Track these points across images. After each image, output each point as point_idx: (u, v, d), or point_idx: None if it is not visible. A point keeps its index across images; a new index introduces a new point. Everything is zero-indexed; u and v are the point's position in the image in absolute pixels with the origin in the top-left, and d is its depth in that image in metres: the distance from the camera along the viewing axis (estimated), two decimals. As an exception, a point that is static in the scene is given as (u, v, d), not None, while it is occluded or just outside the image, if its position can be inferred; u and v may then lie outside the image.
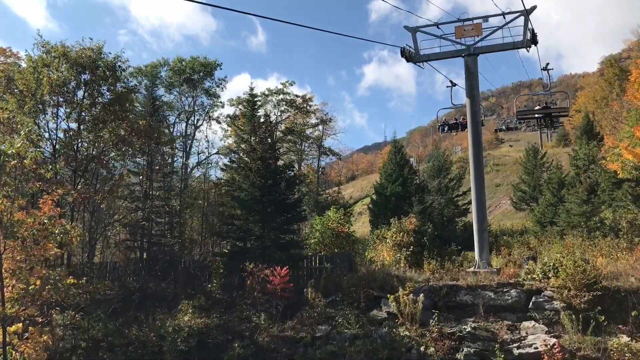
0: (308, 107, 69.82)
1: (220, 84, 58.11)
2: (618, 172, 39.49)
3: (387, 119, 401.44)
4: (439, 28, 29.83)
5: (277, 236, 27.22)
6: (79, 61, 30.14)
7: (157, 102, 35.43)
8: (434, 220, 46.09)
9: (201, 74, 55.36)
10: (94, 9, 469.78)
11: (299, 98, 68.80)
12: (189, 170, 45.01)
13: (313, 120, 73.86)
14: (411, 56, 29.40)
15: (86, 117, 30.72)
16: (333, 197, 71.17)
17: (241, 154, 30.19)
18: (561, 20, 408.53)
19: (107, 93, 31.48)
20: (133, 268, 28.23)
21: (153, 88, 55.01)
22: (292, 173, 31.62)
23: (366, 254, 40.32)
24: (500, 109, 69.09)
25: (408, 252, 36.13)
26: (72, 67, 30.09)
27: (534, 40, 27.88)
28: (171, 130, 56.42)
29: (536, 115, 33.10)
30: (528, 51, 29.04)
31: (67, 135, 30.34)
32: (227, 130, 64.42)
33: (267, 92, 67.67)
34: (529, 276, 23.24)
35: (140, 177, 29.51)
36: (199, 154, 56.45)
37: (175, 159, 42.10)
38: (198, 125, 56.71)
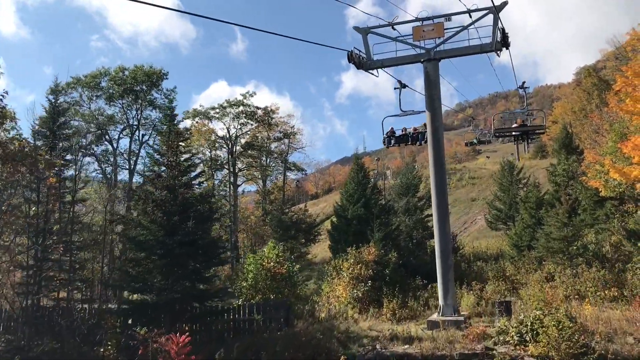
0: (270, 120, 65.07)
1: (169, 95, 53.21)
2: (600, 190, 35.97)
3: (368, 126, 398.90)
4: (395, 29, 25.37)
5: (191, 285, 22.26)
6: None
7: (64, 118, 30.19)
8: (399, 244, 41.55)
9: (145, 84, 50.28)
10: (67, 13, 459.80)
11: (260, 110, 64.10)
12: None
13: (277, 134, 69.19)
14: (361, 62, 24.81)
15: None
16: (299, 215, 66.17)
17: (146, 182, 24.99)
18: (537, 26, 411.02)
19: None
20: (22, 321, 23.08)
21: (91, 100, 50.15)
22: (209, 205, 25.85)
23: (323, 287, 35.69)
24: (472, 120, 65.30)
25: (366, 288, 31.55)
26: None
27: (504, 43, 23.48)
28: (115, 146, 51.43)
29: (513, 133, 33.22)
30: (498, 55, 24.65)
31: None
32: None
33: (225, 104, 62.95)
34: (502, 338, 18.49)
35: (33, 209, 24.53)
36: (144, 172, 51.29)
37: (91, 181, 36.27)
38: (144, 140, 51.61)
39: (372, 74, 25.52)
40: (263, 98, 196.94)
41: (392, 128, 27.04)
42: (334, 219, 46.08)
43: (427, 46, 24.82)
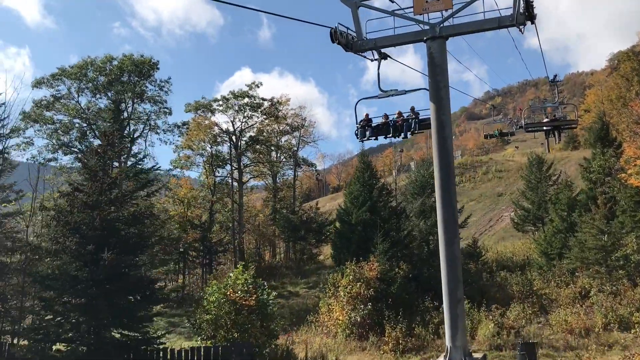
0: (277, 112, 60.40)
1: (163, 86, 48.98)
2: (643, 189, 31.54)
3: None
4: (393, 1, 20.42)
5: (119, 331, 17.87)
6: None
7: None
8: (412, 253, 36.81)
9: (134, 75, 46.06)
10: (92, 1, 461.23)
11: (266, 102, 59.46)
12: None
13: (286, 127, 64.60)
14: (350, 42, 19.89)
15: None
16: (309, 213, 61.68)
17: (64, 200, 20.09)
18: (568, 9, 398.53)
19: None
20: None
21: (80, 93, 46.29)
22: (147, 226, 20.57)
23: (320, 304, 31.22)
24: (493, 108, 60.28)
25: (365, 312, 27.04)
26: None
27: (529, 14, 18.39)
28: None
29: (544, 128, 31.86)
30: (522, 31, 19.51)
31: None
32: (177, 141, 55.37)
33: (228, 96, 58.51)
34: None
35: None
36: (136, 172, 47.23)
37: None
38: (135, 137, 47.50)
39: (365, 56, 20.60)
40: (287, 85, 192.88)
41: (367, 114, 20.24)
42: (337, 224, 41.48)
43: (431, 21, 19.86)
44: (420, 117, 19.86)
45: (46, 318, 18.04)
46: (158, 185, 47.13)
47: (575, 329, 25.35)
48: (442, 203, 19.01)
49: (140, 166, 41.46)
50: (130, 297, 18.16)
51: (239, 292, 22.24)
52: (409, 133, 20.03)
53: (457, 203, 20.71)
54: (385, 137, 20.37)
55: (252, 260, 57.45)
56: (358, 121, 20.08)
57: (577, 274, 33.69)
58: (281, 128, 64.82)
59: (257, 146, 62.13)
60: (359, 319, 26.97)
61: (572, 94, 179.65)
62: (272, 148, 64.67)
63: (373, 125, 20.01)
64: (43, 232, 20.34)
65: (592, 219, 33.49)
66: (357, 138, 19.96)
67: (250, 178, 65.92)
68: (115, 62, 47.02)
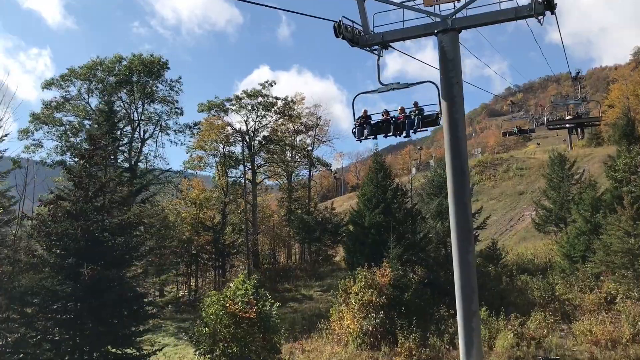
0: (290, 111, 59.27)
1: (174, 86, 48.08)
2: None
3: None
4: (402, -8, 19.07)
5: (104, 351, 16.71)
6: None
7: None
8: (428, 256, 35.42)
9: (143, 75, 45.19)
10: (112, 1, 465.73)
11: (279, 101, 58.37)
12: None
13: (300, 127, 63.42)
14: (355, 36, 18.56)
15: None
16: (324, 214, 60.48)
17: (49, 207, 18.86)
18: (592, 2, 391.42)
19: None
20: None
21: (91, 94, 45.57)
22: (134, 237, 18.99)
23: (332, 311, 30.00)
24: (511, 104, 58.80)
25: (377, 321, 25.75)
26: None
27: (548, 4, 16.91)
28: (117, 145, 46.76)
29: (567, 125, 32.65)
30: (541, 23, 18.03)
31: None
32: (189, 142, 54.45)
33: (241, 95, 57.58)
34: None
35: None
36: (146, 172, 46.47)
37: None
38: (145, 138, 46.69)
39: (372, 52, 19.28)
40: (305, 82, 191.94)
41: (365, 111, 18.21)
42: (350, 227, 40.15)
43: (443, 13, 18.47)
44: (424, 114, 17.81)
45: (26, 337, 17.00)
46: (156, 190, 46.13)
47: (601, 340, 23.78)
48: (455, 209, 17.71)
49: (136, 168, 40.29)
50: (117, 313, 17.00)
51: (239, 303, 21.05)
52: (411, 131, 17.86)
53: (471, 210, 19.20)
54: (386, 136, 18.32)
55: (265, 262, 56.52)
56: (355, 118, 17.93)
57: (601, 278, 32.08)
58: (296, 127, 63.68)
59: (271, 146, 61.03)
60: (370, 328, 25.73)
61: (595, 89, 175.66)
62: (287, 148, 63.50)
63: (372, 122, 17.95)
64: (22, 244, 19.30)
65: (618, 220, 31.80)
66: (355, 137, 17.89)
67: (265, 178, 64.89)
68: (124, 63, 46.31)
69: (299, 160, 67.22)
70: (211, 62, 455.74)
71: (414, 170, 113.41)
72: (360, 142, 18.30)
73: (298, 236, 57.07)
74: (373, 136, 17.85)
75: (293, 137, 65.38)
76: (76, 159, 17.78)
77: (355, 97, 18.10)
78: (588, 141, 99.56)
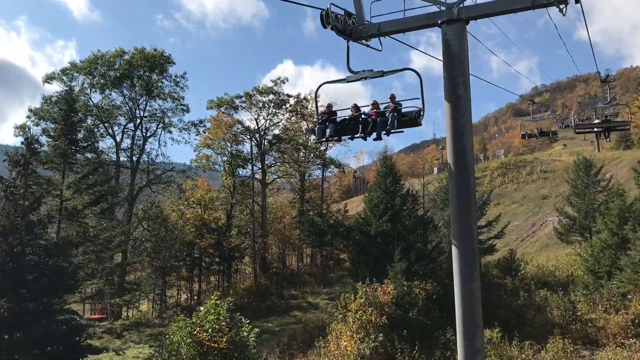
0: (302, 110, 57.08)
1: (179, 82, 46.19)
2: None
3: (441, 108, 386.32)
4: (402, -22, 16.59)
5: None
6: None
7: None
8: (440, 268, 32.93)
9: (145, 69, 43.34)
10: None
11: (291, 98, 56.25)
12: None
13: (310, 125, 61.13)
14: (348, 27, 16.11)
15: None
16: (337, 216, 58.27)
17: None
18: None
19: None
20: None
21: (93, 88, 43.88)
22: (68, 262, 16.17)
23: (330, 328, 27.69)
24: (532, 104, 56.24)
25: (376, 344, 23.38)
26: None
27: (571, -11, 14.28)
28: (118, 140, 45.10)
29: (595, 129, 30.90)
30: (563, 13, 15.36)
31: None
32: (195, 140, 52.62)
33: (252, 92, 55.52)
34: None
35: None
36: (148, 172, 44.63)
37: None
38: (148, 135, 44.89)
39: (367, 45, 16.83)
40: (329, 77, 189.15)
41: (329, 106, 14.36)
42: (355, 235, 37.75)
43: (448, 1, 15.99)
44: (402, 111, 13.68)
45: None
46: (158, 189, 44.30)
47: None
48: (457, 230, 15.10)
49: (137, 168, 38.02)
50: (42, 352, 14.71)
51: (209, 330, 18.75)
52: (383, 132, 13.57)
53: (477, 230, 16.57)
54: (352, 138, 14.75)
55: (274, 266, 54.48)
56: (318, 114, 14.31)
57: (629, 297, 29.33)
58: (309, 126, 61.48)
59: (282, 145, 58.90)
60: (368, 352, 23.36)
61: (625, 90, 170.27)
62: (300, 147, 61.31)
63: (337, 120, 13.91)
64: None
65: (648, 235, 29.05)
66: (315, 137, 14.10)
67: (275, 178, 62.80)
68: (126, 57, 44.54)
69: (312, 160, 65.04)
70: (237, 56, 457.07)
71: (435, 171, 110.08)
72: (321, 144, 15.09)
73: (308, 239, 54.96)
74: (336, 138, 13.71)
75: (307, 136, 63.16)
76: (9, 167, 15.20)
77: (317, 88, 14.28)
78: (616, 143, 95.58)
